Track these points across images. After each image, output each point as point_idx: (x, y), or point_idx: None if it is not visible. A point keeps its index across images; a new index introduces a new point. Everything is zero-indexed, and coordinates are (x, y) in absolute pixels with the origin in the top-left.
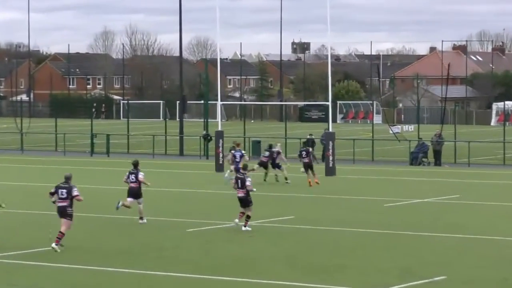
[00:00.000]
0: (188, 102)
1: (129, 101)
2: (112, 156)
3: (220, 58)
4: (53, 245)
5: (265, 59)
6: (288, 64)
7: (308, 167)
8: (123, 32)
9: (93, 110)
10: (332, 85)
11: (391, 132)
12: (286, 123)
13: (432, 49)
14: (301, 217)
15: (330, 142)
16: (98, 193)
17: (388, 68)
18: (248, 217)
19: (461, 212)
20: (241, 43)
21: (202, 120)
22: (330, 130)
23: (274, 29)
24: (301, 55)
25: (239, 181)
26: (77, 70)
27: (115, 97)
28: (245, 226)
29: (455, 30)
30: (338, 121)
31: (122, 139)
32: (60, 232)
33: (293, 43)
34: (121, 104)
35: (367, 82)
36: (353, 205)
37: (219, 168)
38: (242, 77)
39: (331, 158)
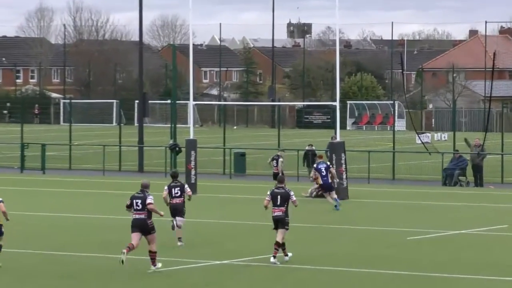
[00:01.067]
0: (150, 102)
1: (72, 100)
2: (49, 173)
3: (193, 44)
4: (153, 268)
5: (252, 46)
6: (282, 53)
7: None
8: (65, 9)
9: (6, 112)
10: (341, 80)
11: (418, 141)
12: (279, 130)
13: (473, 32)
14: (302, 253)
15: (343, 155)
16: (30, 221)
17: (414, 58)
18: (284, 244)
19: (511, 247)
20: (220, 24)
21: (169, 125)
22: (338, 139)
23: (265, 6)
24: (299, 41)
25: (278, 197)
26: (3, 59)
27: (54, 95)
28: (286, 256)
29: (502, 8)
30: (348, 127)
31: (63, 150)
32: (151, 251)
33: (289, 25)
34: (62, 104)
35: (386, 76)
36: (368, 238)
37: (192, 189)
38: (222, 69)
39: (344, 176)
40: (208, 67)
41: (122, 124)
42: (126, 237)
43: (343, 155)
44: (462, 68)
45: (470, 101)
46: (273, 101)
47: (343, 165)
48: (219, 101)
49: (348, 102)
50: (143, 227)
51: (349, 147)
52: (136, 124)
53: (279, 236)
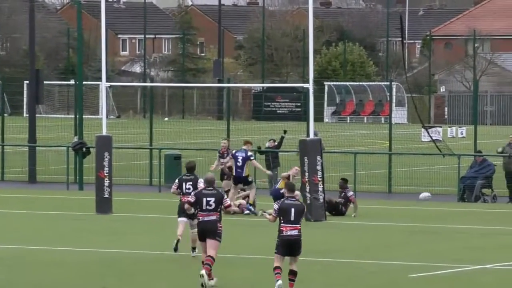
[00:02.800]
0: (45, 83)
1: None
2: None
3: (107, 1)
4: (203, 272)
5: (190, 3)
6: (233, 14)
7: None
8: None
9: None
10: (316, 53)
11: (425, 139)
12: (229, 123)
13: None
14: None
15: (318, 158)
16: None
17: (419, 21)
18: (295, 274)
19: None
20: None
21: (72, 116)
22: (312, 135)
23: None
24: None
25: (292, 209)
26: None
27: None
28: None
29: None
30: (326, 119)
31: None
32: (210, 256)
33: None
34: None
35: (380, 46)
36: (355, 275)
37: (103, 205)
38: (148, 36)
39: (320, 187)
40: (128, 34)
41: (5, 115)
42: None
43: (318, 158)
44: (488, 36)
45: (499, 81)
46: (220, 82)
47: (319, 173)
48: (144, 82)
49: (326, 83)
50: (212, 232)
51: (328, 147)
52: (25, 114)
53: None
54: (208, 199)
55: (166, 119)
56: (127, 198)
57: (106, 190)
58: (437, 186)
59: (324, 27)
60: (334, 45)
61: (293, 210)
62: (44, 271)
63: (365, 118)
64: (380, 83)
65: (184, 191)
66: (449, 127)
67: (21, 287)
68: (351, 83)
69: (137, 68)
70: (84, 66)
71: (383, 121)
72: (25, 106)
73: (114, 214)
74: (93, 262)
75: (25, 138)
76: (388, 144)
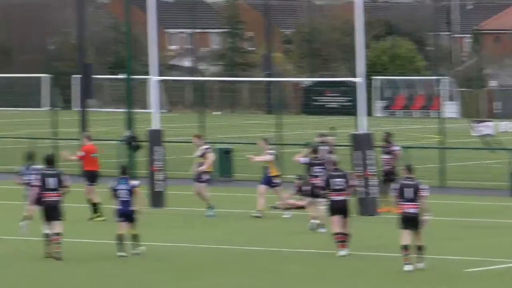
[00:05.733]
0: (95, 77)
1: None
2: None
3: None
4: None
5: None
6: (282, 8)
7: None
8: None
9: None
10: (365, 47)
11: (475, 134)
12: (278, 117)
13: None
14: None
15: (369, 152)
16: None
17: (469, 15)
18: (421, 249)
19: None
20: None
21: (123, 110)
22: (363, 130)
23: None
24: None
25: (406, 189)
26: None
27: None
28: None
29: None
30: (376, 113)
31: None
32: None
33: None
34: None
35: (428, 40)
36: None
37: (156, 199)
38: (196, 30)
39: (372, 181)
40: (177, 28)
41: (55, 109)
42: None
43: (370, 152)
44: None
45: None
46: (269, 76)
47: (371, 167)
48: (193, 76)
49: (375, 78)
50: (346, 209)
51: (379, 141)
52: (76, 108)
53: (416, 238)
54: (336, 180)
55: (216, 113)
56: (179, 192)
57: (160, 184)
58: (490, 181)
59: (373, 21)
60: (383, 40)
61: (413, 189)
62: (99, 266)
63: (415, 113)
64: (430, 77)
65: (312, 173)
66: (501, 121)
67: (80, 281)
68: (401, 77)
69: (186, 62)
70: (133, 60)
71: (433, 116)
72: (74, 100)
73: (168, 208)
74: (147, 256)
75: (76, 132)
76: (440, 139)
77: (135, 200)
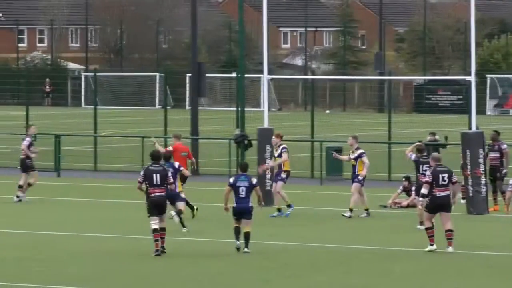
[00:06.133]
0: (207, 75)
1: (97, 74)
2: (66, 175)
3: None
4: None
5: None
6: (395, 6)
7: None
8: None
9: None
10: (478, 46)
11: None
12: (390, 116)
13: None
14: None
15: (481, 151)
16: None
17: None
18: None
19: None
20: None
21: (234, 109)
22: (474, 128)
23: None
24: None
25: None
26: (0, 15)
27: (71, 65)
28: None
29: None
30: (488, 112)
31: (85, 144)
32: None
33: None
34: (83, 79)
35: None
36: None
37: (267, 198)
38: (309, 29)
39: (482, 180)
40: (290, 27)
41: (167, 108)
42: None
43: (481, 151)
44: None
45: None
46: (381, 74)
47: (481, 166)
48: (305, 74)
49: (488, 76)
50: (449, 205)
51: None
52: (187, 107)
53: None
54: (442, 175)
55: (328, 111)
56: (288, 190)
57: (268, 182)
58: None
59: (486, 19)
60: (496, 38)
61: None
62: (205, 263)
63: None
64: None
65: (420, 172)
66: None
67: (188, 279)
68: None
69: (298, 61)
70: (246, 59)
71: None
72: (187, 99)
73: (277, 206)
74: (253, 254)
75: (188, 131)
76: None
77: (252, 197)
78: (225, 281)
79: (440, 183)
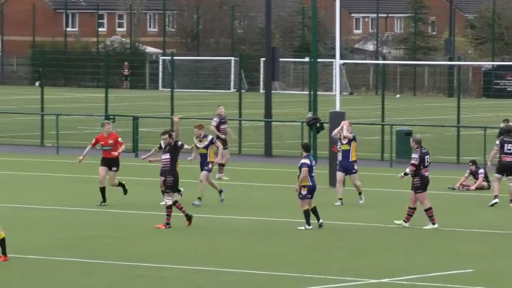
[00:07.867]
0: (281, 60)
1: (174, 57)
2: (143, 155)
3: None
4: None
5: None
6: None
7: None
8: None
9: (37, 77)
10: None
11: None
12: (459, 100)
13: None
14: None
15: None
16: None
17: None
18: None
19: None
20: None
21: (307, 93)
22: None
23: None
24: None
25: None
26: (81, 0)
27: (149, 49)
28: None
29: None
30: None
31: (161, 125)
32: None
33: None
34: (160, 63)
35: None
36: None
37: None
38: (381, 15)
39: None
40: (362, 13)
41: (242, 91)
42: None
43: None
44: None
45: None
46: (451, 60)
47: None
48: (376, 59)
49: None
50: None
51: None
52: (261, 90)
53: None
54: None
55: (398, 96)
56: (359, 172)
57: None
58: None
59: None
60: None
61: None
62: (274, 241)
63: None
64: None
65: (505, 150)
66: None
67: (252, 255)
68: None
69: (370, 46)
70: (318, 44)
71: None
72: (261, 83)
73: (346, 188)
74: (325, 233)
75: (261, 114)
76: None
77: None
78: (295, 260)
79: (426, 164)
